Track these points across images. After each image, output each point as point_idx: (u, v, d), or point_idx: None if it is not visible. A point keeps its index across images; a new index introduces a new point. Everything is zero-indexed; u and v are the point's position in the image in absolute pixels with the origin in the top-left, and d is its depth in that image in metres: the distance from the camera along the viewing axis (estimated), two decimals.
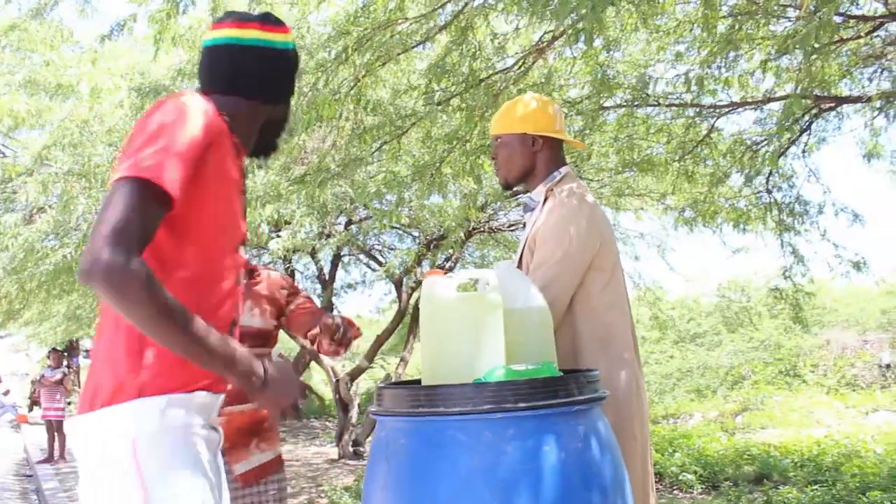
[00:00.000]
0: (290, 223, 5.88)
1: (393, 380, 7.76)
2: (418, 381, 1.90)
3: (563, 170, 2.25)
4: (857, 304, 16.51)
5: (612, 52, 5.00)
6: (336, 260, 11.69)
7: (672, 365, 16.23)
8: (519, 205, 7.89)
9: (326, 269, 11.75)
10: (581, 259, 2.08)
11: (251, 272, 2.55)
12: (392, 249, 11.39)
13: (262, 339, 2.51)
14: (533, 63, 4.45)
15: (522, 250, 2.20)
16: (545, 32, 4.37)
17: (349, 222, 9.43)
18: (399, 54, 4.19)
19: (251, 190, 4.83)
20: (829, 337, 14.86)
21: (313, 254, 9.84)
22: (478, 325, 1.83)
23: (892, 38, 5.50)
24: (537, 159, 2.24)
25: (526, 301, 1.93)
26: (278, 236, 5.65)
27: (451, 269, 9.30)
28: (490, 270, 1.90)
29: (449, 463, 1.58)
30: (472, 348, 1.82)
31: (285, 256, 9.33)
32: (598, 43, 4.87)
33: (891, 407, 10.87)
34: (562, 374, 1.79)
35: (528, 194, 2.29)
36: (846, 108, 6.38)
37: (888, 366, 13.46)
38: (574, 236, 2.08)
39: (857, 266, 6.65)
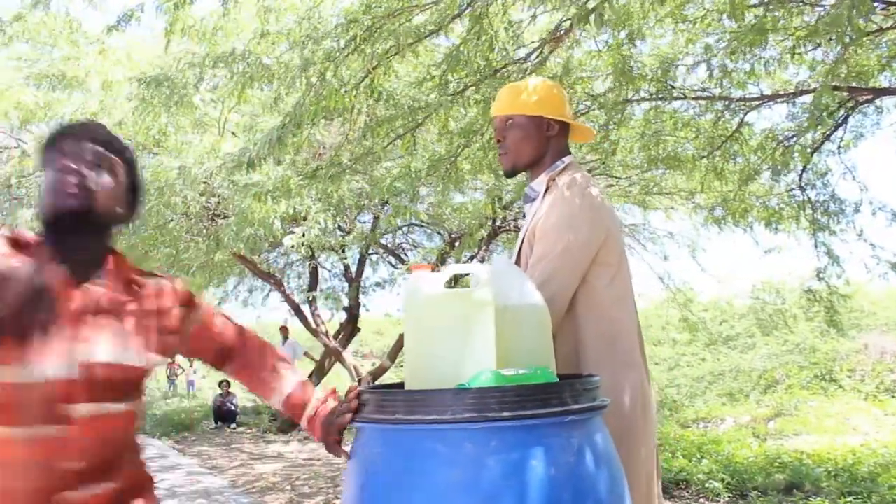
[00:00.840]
0: (306, 219, 5.78)
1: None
2: (402, 386, 1.75)
3: (567, 159, 2.09)
4: None
5: (635, 43, 4.80)
6: (363, 258, 11.64)
7: (704, 368, 15.90)
8: None
9: (353, 268, 11.71)
10: (584, 253, 1.91)
11: (129, 279, 1.64)
12: (417, 247, 11.30)
13: (135, 384, 1.61)
14: (550, 53, 4.29)
15: (521, 244, 2.04)
16: (562, 20, 4.20)
17: (376, 219, 9.33)
18: (411, 44, 4.04)
19: (261, 184, 4.72)
20: (867, 341, 14.44)
21: (339, 251, 9.77)
22: (466, 324, 1.67)
23: None
24: (550, 145, 2.09)
25: (521, 298, 1.77)
26: (293, 232, 5.55)
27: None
28: (482, 265, 1.74)
29: (425, 476, 1.44)
30: (460, 350, 1.66)
31: (308, 254, 9.27)
32: (622, 35, 4.70)
33: None
34: (557, 379, 1.63)
35: (530, 184, 2.12)
36: (886, 101, 6.12)
37: None
38: (577, 229, 1.91)
39: (895, 267, 6.38)
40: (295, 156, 5.40)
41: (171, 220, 7.11)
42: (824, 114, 4.94)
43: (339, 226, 8.05)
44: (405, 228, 11.22)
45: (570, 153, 2.13)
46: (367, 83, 4.29)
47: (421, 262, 8.58)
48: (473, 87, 4.37)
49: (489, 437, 1.43)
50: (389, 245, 11.39)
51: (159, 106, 4.65)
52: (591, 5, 3.39)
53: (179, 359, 25.76)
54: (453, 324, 1.69)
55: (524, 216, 2.12)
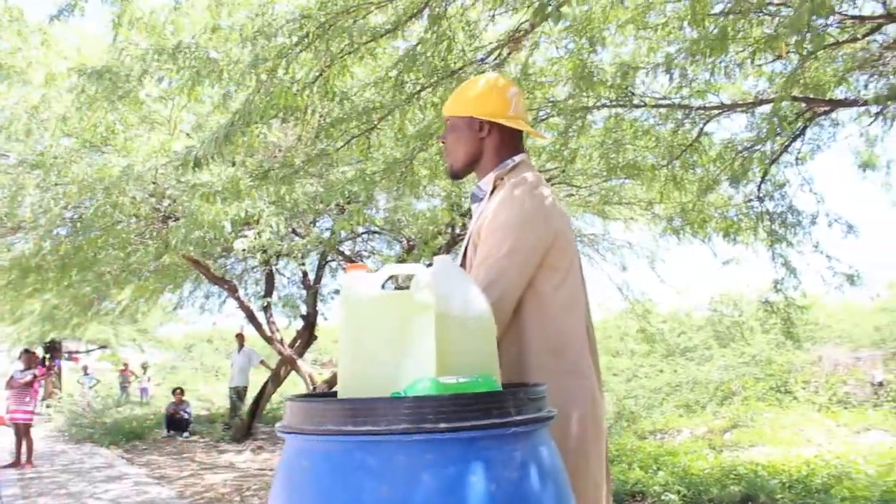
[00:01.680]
0: (259, 222, 5.61)
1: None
2: (335, 394, 1.63)
3: (518, 157, 1.99)
4: (851, 320, 16.32)
5: (596, 49, 4.74)
6: (322, 265, 11.48)
7: (661, 379, 15.96)
8: None
9: (312, 275, 11.54)
10: (532, 254, 1.81)
11: None
12: (376, 254, 11.17)
13: None
14: (508, 54, 4.20)
15: (467, 245, 1.93)
16: (521, 22, 4.12)
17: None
18: (366, 42, 3.92)
19: (210, 185, 4.55)
20: (821, 353, 14.64)
21: (297, 257, 9.60)
22: (404, 329, 1.55)
23: (890, 41, 5.27)
24: (484, 146, 2.01)
25: (464, 302, 1.66)
26: (245, 236, 5.37)
27: None
28: (422, 266, 1.63)
29: (353, 492, 1.32)
30: (397, 357, 1.55)
31: (264, 259, 9.07)
32: (583, 40, 4.64)
33: (883, 426, 10.63)
34: (501, 389, 1.53)
35: (477, 183, 2.03)
36: (841, 115, 6.17)
37: (881, 384, 13.24)
38: (525, 229, 1.81)
39: (850, 279, 6.42)
40: (247, 157, 5.23)
41: (120, 221, 6.88)
42: (783, 123, 4.93)
43: (293, 230, 7.85)
44: (365, 236, 11.10)
45: (522, 151, 2.04)
46: (321, 82, 4.17)
47: (375, 269, 8.42)
48: (430, 89, 4.27)
49: (425, 449, 1.31)
50: (349, 252, 11.25)
51: (101, 99, 4.46)
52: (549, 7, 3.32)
53: (132, 364, 25.23)
54: (391, 328, 1.57)
55: (470, 216, 2.03)
